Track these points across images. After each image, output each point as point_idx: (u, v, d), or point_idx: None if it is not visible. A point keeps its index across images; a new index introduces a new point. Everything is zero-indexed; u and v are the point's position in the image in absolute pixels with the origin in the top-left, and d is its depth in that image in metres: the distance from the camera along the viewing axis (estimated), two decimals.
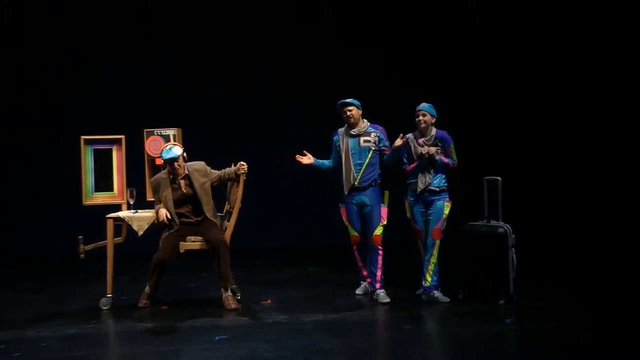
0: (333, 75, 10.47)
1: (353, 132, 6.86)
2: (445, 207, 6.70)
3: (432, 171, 6.66)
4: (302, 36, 10.60)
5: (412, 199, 6.84)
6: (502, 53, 10.57)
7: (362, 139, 6.85)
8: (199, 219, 6.74)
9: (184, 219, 6.73)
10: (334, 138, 7.03)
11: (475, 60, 10.70)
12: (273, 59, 10.55)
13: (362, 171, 6.79)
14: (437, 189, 6.69)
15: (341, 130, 6.99)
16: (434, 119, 6.76)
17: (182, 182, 6.70)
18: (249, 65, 10.51)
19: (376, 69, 10.61)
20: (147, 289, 6.72)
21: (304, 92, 10.45)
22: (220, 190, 7.11)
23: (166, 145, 6.65)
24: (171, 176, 6.70)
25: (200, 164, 6.86)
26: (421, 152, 6.62)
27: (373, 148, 6.83)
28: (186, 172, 6.72)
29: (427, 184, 6.64)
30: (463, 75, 10.67)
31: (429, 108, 6.76)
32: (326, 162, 7.11)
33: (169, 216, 6.61)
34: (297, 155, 7.01)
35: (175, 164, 6.61)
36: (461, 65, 10.71)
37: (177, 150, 6.60)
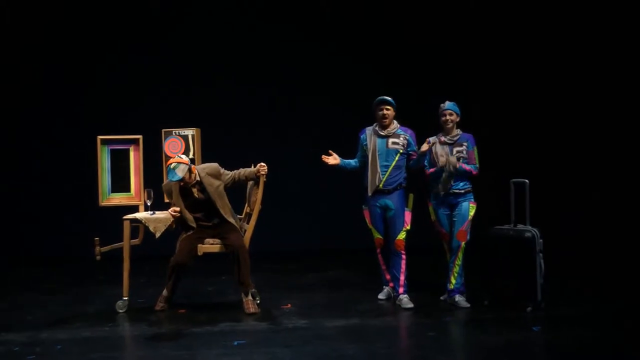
0: (353, 74, 10.39)
1: (382, 132, 6.80)
2: (471, 208, 6.65)
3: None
4: (322, 35, 10.53)
5: (435, 201, 6.80)
6: (529, 48, 10.41)
7: (390, 140, 6.77)
8: (216, 222, 6.71)
9: (200, 223, 6.71)
10: (361, 137, 6.93)
11: (500, 57, 10.53)
12: (294, 57, 10.45)
13: (387, 174, 6.72)
14: (462, 191, 6.66)
15: (369, 129, 6.89)
16: (459, 118, 6.75)
17: (194, 189, 6.62)
18: (269, 64, 10.43)
19: (395, 68, 10.47)
20: (164, 292, 6.70)
21: (324, 92, 10.37)
22: (240, 192, 7.08)
23: (170, 163, 6.42)
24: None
25: (212, 167, 6.75)
26: (442, 165, 6.58)
27: (401, 151, 6.76)
28: (197, 178, 6.63)
29: (447, 190, 6.62)
30: (487, 72, 10.53)
31: (454, 107, 6.73)
32: (352, 162, 7.01)
33: (176, 209, 6.55)
34: (323, 156, 6.91)
35: (181, 183, 6.54)
36: (485, 61, 10.57)
37: (181, 172, 6.35)
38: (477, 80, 10.49)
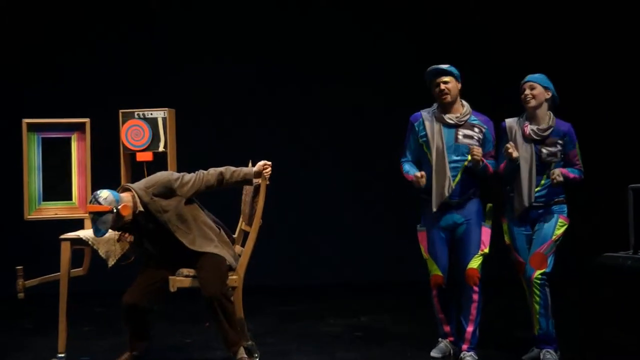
0: (382, 47, 10.21)
1: (450, 118, 6.17)
2: (559, 226, 6.19)
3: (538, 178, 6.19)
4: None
5: (511, 217, 6.34)
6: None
7: (461, 132, 6.15)
8: (182, 255, 6.21)
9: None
10: (415, 124, 6.30)
11: (610, 31, 10.35)
12: (307, 27, 10.26)
13: (457, 178, 6.16)
14: (551, 202, 6.26)
15: (425, 113, 6.26)
16: (550, 94, 6.15)
17: (140, 221, 6.12)
18: (273, 34, 10.29)
19: (451, 42, 10.05)
20: (129, 349, 6.28)
21: (348, 72, 10.15)
22: (232, 200, 6.89)
23: (88, 212, 5.90)
24: None
25: (160, 182, 6.07)
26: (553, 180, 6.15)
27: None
28: (140, 208, 6.04)
29: (531, 199, 6.19)
30: (591, 50, 10.34)
31: (542, 79, 6.15)
32: (415, 168, 6.37)
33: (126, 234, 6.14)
34: (417, 176, 6.23)
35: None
36: (590, 37, 10.37)
37: (103, 224, 5.85)
38: (574, 53, 10.22)
